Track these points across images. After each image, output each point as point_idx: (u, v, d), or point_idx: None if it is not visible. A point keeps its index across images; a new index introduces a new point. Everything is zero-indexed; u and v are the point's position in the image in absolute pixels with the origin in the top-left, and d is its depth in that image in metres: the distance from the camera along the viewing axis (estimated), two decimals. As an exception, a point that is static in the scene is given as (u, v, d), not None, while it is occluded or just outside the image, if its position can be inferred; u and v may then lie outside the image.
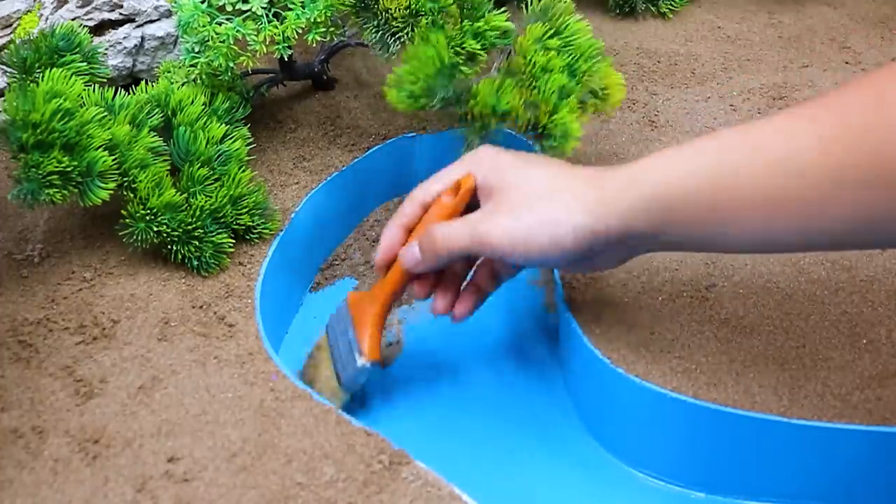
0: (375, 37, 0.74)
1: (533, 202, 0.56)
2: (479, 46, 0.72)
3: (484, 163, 0.60)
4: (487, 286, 0.64)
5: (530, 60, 0.72)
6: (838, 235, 0.50)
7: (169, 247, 0.69)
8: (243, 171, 0.73)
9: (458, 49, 0.72)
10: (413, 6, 0.72)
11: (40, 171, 0.64)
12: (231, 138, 0.74)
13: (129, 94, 0.73)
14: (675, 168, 0.53)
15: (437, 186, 0.61)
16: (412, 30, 0.72)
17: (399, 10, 0.72)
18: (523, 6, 0.76)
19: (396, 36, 0.73)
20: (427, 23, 0.72)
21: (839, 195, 0.48)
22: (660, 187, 0.53)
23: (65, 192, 0.65)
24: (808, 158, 0.48)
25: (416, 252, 0.60)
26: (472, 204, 0.61)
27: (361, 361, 0.63)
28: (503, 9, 0.76)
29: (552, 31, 0.75)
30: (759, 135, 0.51)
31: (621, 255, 0.58)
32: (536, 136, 0.72)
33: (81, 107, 0.68)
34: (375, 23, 0.73)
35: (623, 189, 0.54)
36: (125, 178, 0.68)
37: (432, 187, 0.62)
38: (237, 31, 0.73)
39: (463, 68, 0.72)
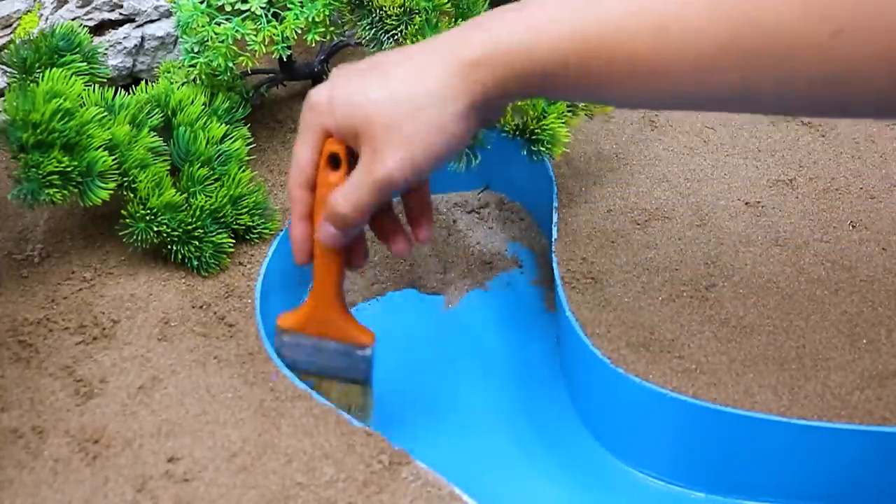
0: (369, 34, 0.74)
1: (406, 119, 0.51)
2: None
3: (328, 113, 0.54)
4: (420, 199, 0.59)
5: None
6: (723, 100, 0.49)
7: (169, 247, 0.69)
8: (243, 171, 0.73)
9: None
10: (407, 4, 0.72)
11: (40, 171, 0.64)
12: (231, 138, 0.74)
13: (129, 94, 0.73)
14: (548, 26, 0.49)
15: (307, 161, 0.56)
16: (406, 28, 0.73)
17: (393, 7, 0.72)
18: None
19: (390, 34, 0.73)
20: (421, 21, 0.72)
21: (727, 65, 0.45)
22: (532, 52, 0.49)
23: (65, 192, 0.65)
24: (695, 25, 0.45)
25: (330, 228, 0.56)
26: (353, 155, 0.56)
27: (367, 351, 0.61)
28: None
29: None
30: None
31: (505, 103, 0.55)
32: (525, 140, 0.72)
33: (81, 107, 0.68)
34: (369, 20, 0.73)
35: (490, 54, 0.50)
36: (125, 178, 0.68)
37: (304, 166, 0.57)
38: (236, 31, 0.73)
39: None
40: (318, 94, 0.55)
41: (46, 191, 0.64)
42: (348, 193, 0.54)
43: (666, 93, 0.48)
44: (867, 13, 0.41)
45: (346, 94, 0.53)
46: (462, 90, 0.51)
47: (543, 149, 0.72)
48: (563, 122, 0.72)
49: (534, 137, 0.72)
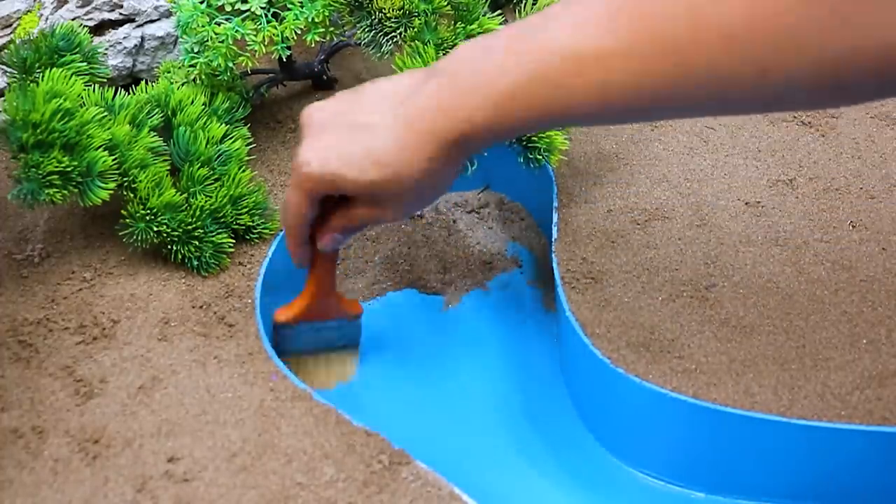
0: (368, 36, 0.74)
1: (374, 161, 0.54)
2: None
3: (314, 179, 0.57)
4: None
5: None
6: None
7: (169, 247, 0.69)
8: (243, 171, 0.73)
9: (449, 51, 0.72)
10: (406, 6, 0.72)
11: (40, 171, 0.64)
12: (231, 138, 0.74)
13: (129, 94, 0.73)
14: (494, 85, 0.51)
15: (300, 210, 0.60)
16: (405, 30, 0.73)
17: (392, 10, 0.72)
18: (518, 10, 0.76)
19: (389, 36, 0.73)
20: (420, 23, 0.72)
21: (670, 104, 0.49)
22: (479, 110, 0.52)
23: (65, 192, 0.65)
24: (634, 81, 0.48)
25: (336, 238, 0.61)
26: None
27: (360, 319, 0.69)
28: (498, 12, 0.76)
29: None
30: (557, 40, 0.49)
31: (469, 154, 0.57)
32: (522, 147, 0.72)
33: (81, 107, 0.68)
34: (368, 22, 0.73)
35: (446, 109, 0.52)
36: (125, 178, 0.68)
37: (298, 213, 0.60)
38: (236, 31, 0.73)
39: None
40: (304, 157, 0.56)
41: (46, 191, 0.64)
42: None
43: (611, 114, 0.53)
44: (788, 55, 0.44)
45: (322, 160, 0.56)
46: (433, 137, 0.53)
47: (540, 156, 0.72)
48: (560, 129, 0.72)
49: (531, 145, 0.72)
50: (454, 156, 0.54)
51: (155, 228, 0.68)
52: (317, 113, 0.57)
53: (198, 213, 0.69)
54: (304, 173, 0.56)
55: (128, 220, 0.69)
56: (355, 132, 0.55)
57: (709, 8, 0.45)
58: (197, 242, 0.69)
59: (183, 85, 0.76)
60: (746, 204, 0.77)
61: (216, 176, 0.72)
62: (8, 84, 0.73)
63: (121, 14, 0.85)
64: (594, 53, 0.48)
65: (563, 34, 0.49)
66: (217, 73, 0.75)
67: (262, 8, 0.73)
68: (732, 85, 0.46)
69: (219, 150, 0.72)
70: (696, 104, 0.49)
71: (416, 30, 0.73)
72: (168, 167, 0.71)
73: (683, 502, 0.63)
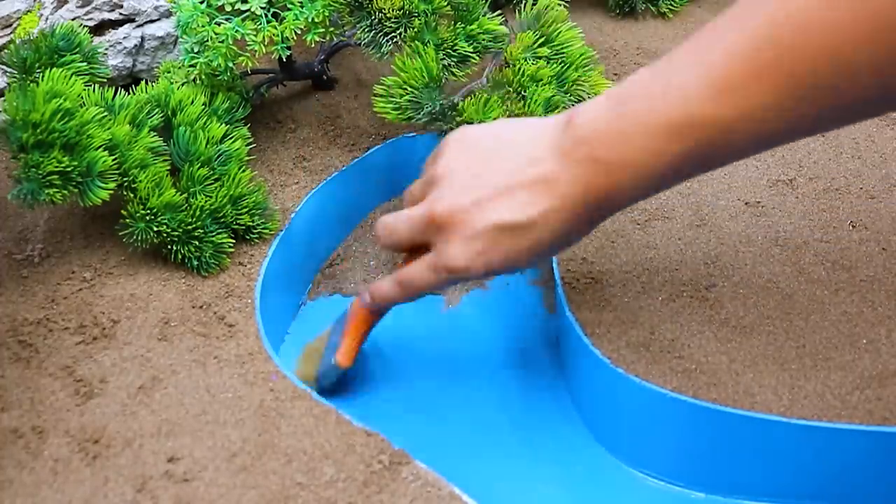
0: (368, 36, 0.74)
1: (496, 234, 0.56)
2: (470, 49, 0.72)
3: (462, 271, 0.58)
4: None
5: (519, 70, 0.72)
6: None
7: (169, 247, 0.69)
8: (243, 171, 0.73)
9: (449, 52, 0.72)
10: (406, 7, 0.72)
11: (40, 171, 0.64)
12: (231, 138, 0.74)
13: (129, 94, 0.73)
14: (648, 167, 0.51)
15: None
16: (405, 30, 0.73)
17: (392, 10, 0.72)
18: (517, 11, 0.76)
19: (389, 36, 0.73)
20: (420, 24, 0.72)
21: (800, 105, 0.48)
22: (639, 188, 0.52)
23: (65, 192, 0.65)
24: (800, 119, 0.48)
25: (385, 289, 0.63)
26: None
27: (334, 362, 0.66)
28: (498, 12, 0.76)
29: (543, 39, 0.75)
30: (705, 110, 0.49)
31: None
32: None
33: (81, 107, 0.68)
34: (368, 22, 0.74)
35: (608, 197, 0.53)
36: (125, 178, 0.68)
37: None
38: (236, 31, 0.73)
39: (454, 70, 0.72)
40: (462, 263, 0.57)
41: (46, 191, 0.64)
42: (411, 271, 0.61)
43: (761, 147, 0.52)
44: None
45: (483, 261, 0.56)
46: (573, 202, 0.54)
47: None
48: None
49: None
50: (603, 221, 0.56)
51: (155, 228, 0.68)
52: (450, 211, 0.56)
53: (198, 213, 0.69)
54: (463, 275, 0.57)
55: (128, 220, 0.69)
56: (515, 232, 0.55)
57: (851, 51, 0.44)
58: (197, 242, 0.69)
59: (183, 85, 0.76)
60: (746, 204, 0.77)
61: (216, 176, 0.72)
62: (8, 84, 0.73)
63: (121, 14, 0.86)
64: (753, 117, 0.48)
65: (707, 103, 0.48)
66: (217, 73, 0.75)
67: (262, 8, 0.73)
68: (881, 111, 0.49)
69: (219, 150, 0.72)
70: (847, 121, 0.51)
71: (415, 30, 0.73)
72: (168, 167, 0.71)
73: (683, 502, 0.63)
